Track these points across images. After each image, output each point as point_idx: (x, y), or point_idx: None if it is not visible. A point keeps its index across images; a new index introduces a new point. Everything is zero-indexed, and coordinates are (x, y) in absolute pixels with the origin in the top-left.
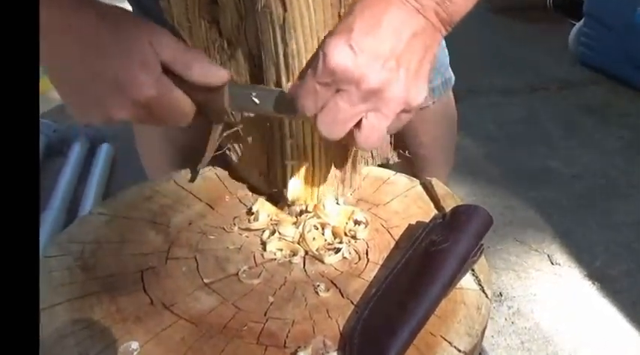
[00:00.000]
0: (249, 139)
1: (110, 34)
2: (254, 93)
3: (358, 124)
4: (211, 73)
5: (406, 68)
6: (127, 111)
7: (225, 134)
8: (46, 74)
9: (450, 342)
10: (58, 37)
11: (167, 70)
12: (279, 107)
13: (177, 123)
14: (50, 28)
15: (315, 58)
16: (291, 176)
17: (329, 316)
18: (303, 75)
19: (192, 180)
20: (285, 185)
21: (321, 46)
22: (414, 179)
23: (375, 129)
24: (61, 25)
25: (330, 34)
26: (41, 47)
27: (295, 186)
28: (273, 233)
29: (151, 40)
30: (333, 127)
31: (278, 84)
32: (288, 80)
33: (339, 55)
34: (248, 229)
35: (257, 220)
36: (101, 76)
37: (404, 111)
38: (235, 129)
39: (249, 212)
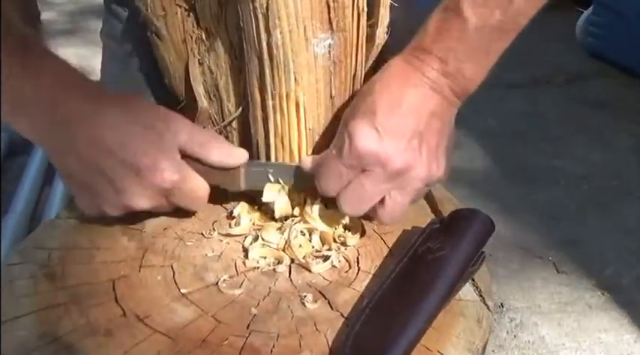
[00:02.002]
0: (232, 138)
1: (126, 121)
2: (270, 170)
3: (381, 201)
4: (230, 153)
5: (427, 146)
6: (148, 199)
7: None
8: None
9: None
10: (67, 129)
11: (182, 155)
12: (297, 183)
13: (193, 209)
14: (60, 119)
15: (338, 137)
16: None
17: (317, 329)
18: (318, 150)
19: None
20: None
21: (344, 128)
22: None
23: (398, 206)
24: (71, 115)
25: (353, 116)
26: (50, 140)
27: (282, 202)
28: (255, 239)
29: (167, 124)
30: (357, 206)
31: (261, 77)
32: (272, 73)
33: (366, 139)
34: (229, 235)
35: (238, 225)
36: (119, 165)
37: (425, 185)
38: (217, 127)
39: (230, 216)
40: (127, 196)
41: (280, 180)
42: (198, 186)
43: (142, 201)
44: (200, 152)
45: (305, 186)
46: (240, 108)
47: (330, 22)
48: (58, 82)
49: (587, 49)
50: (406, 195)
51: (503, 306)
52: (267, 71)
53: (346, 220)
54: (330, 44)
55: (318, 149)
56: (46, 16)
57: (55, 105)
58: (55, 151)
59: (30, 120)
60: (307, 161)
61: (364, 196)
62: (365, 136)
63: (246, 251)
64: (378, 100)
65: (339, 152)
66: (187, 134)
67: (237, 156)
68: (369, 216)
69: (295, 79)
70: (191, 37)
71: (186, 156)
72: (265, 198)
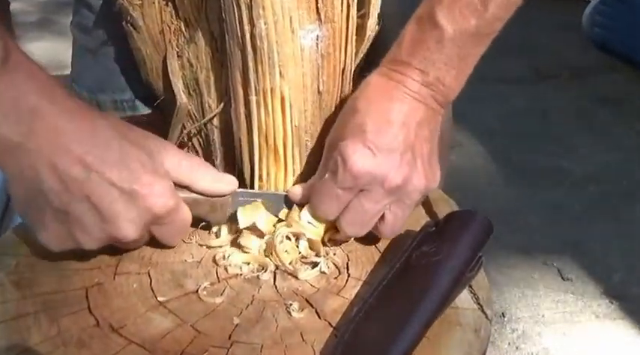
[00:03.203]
0: (213, 136)
1: (113, 137)
2: (259, 200)
3: (382, 217)
4: (221, 180)
5: (421, 157)
6: (138, 228)
7: (186, 131)
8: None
9: None
10: (43, 146)
11: None
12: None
13: (173, 242)
14: (36, 134)
15: (327, 161)
16: (260, 177)
17: (303, 340)
18: (305, 176)
19: None
20: (252, 187)
21: (335, 150)
22: None
23: (400, 219)
24: (50, 130)
25: (341, 137)
26: (18, 159)
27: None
28: (237, 245)
29: (154, 145)
30: (359, 227)
31: (244, 71)
32: (255, 66)
33: (361, 159)
34: (208, 246)
35: (218, 237)
36: (108, 187)
37: (423, 195)
38: (197, 124)
39: (207, 227)
40: (116, 224)
41: (267, 208)
42: (185, 217)
43: (130, 231)
44: (189, 177)
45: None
46: (222, 104)
47: (318, 13)
48: (36, 92)
49: (594, 41)
50: (406, 207)
51: (504, 316)
52: (251, 64)
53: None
54: (317, 36)
55: (306, 148)
56: (15, 6)
57: (33, 117)
58: (20, 172)
59: None
60: (296, 191)
61: (365, 216)
62: (359, 156)
63: (227, 256)
64: (365, 119)
65: (332, 176)
66: (174, 157)
67: (227, 182)
68: (371, 231)
69: (280, 72)
70: (169, 28)
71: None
72: (243, 224)
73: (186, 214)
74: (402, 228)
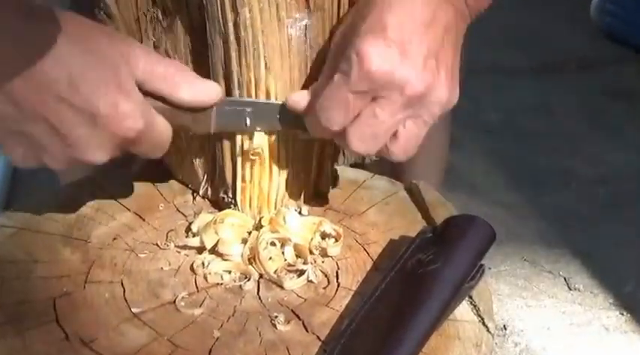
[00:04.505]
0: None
1: (71, 48)
2: (248, 110)
3: (394, 134)
4: (202, 90)
5: (445, 66)
6: (105, 152)
7: None
8: None
9: None
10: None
11: (140, 90)
12: (282, 125)
13: (152, 157)
14: None
15: (337, 62)
16: (243, 179)
17: None
18: (302, 87)
19: (120, 184)
20: (234, 189)
21: (347, 49)
22: (397, 182)
23: (414, 138)
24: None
25: (356, 33)
26: None
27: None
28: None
29: (120, 52)
30: (370, 142)
31: (226, 63)
32: (239, 58)
33: (380, 58)
34: (185, 246)
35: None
36: (68, 110)
37: (442, 111)
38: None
39: (190, 228)
40: (79, 149)
41: (258, 120)
42: (163, 132)
43: (97, 155)
44: (165, 88)
45: (292, 129)
46: None
47: (307, 0)
48: None
49: (603, 31)
50: (423, 124)
51: (506, 328)
52: (234, 56)
53: (324, 227)
54: (306, 25)
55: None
56: None
57: None
58: None
59: None
60: (299, 97)
61: (379, 129)
62: (378, 54)
63: (207, 264)
64: (386, 14)
65: (344, 77)
66: (146, 64)
67: (210, 92)
68: (380, 153)
69: (266, 65)
70: (145, 17)
71: (145, 92)
72: (208, 245)
73: (163, 130)
74: (415, 150)
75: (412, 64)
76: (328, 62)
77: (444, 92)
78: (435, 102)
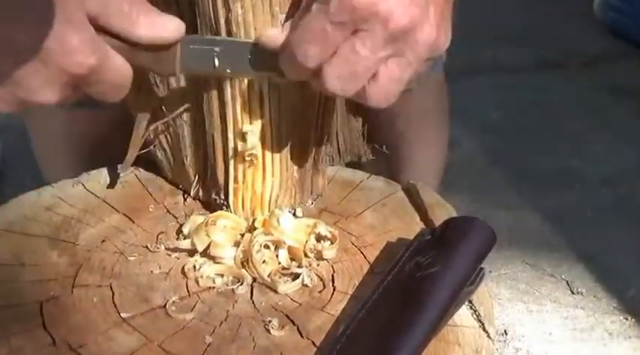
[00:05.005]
0: (183, 133)
1: None
2: (216, 50)
3: (374, 75)
4: (163, 25)
5: (434, 4)
6: (54, 92)
7: (152, 127)
8: None
9: None
10: None
11: (95, 27)
12: (253, 66)
13: (111, 99)
14: None
15: None
16: (235, 179)
17: None
18: (292, 13)
19: (110, 185)
20: (227, 190)
21: None
22: (394, 183)
23: (395, 81)
24: None
25: None
26: None
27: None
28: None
29: None
30: (348, 81)
31: None
32: None
33: None
34: (176, 249)
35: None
36: (10, 46)
37: (427, 59)
38: (165, 120)
39: (181, 230)
40: (26, 89)
41: (227, 60)
42: (120, 70)
43: (46, 95)
44: (120, 24)
45: (264, 71)
46: (192, 97)
47: None
48: None
49: (608, 26)
50: (406, 66)
51: (506, 334)
52: None
53: (319, 229)
54: None
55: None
56: None
57: None
58: None
59: None
60: (274, 32)
61: (358, 66)
62: None
63: (199, 267)
64: None
65: (322, 7)
66: None
67: (171, 28)
68: (358, 96)
69: None
70: None
71: (100, 29)
72: (200, 248)
73: (119, 69)
74: (396, 96)
75: None
76: None
77: (432, 30)
78: (422, 41)
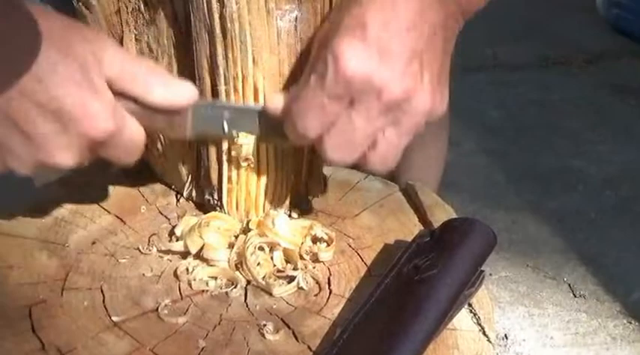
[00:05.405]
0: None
1: (48, 48)
2: (226, 115)
3: (373, 143)
4: (177, 91)
5: (429, 71)
6: (74, 155)
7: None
8: None
9: None
10: None
11: (111, 90)
12: (260, 131)
13: (125, 162)
14: None
15: (314, 63)
16: (230, 180)
17: None
18: (291, 83)
19: (99, 185)
20: (220, 191)
21: (324, 49)
22: (392, 183)
23: (394, 148)
24: None
25: (335, 32)
26: None
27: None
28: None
29: (91, 49)
30: (347, 151)
31: (212, 57)
32: (225, 52)
33: (356, 58)
34: (169, 251)
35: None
36: (34, 109)
37: (425, 120)
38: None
39: (173, 232)
40: (46, 151)
41: (235, 125)
42: (135, 135)
43: (64, 157)
44: (136, 89)
45: (271, 136)
46: None
47: None
48: None
49: (611, 23)
50: (403, 133)
51: (507, 338)
52: (220, 50)
53: (315, 230)
54: (296, 17)
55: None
56: None
57: None
58: None
59: None
60: (276, 100)
61: (355, 136)
62: (354, 55)
63: (192, 270)
64: (367, 11)
65: (320, 80)
66: (118, 63)
67: (185, 95)
68: (358, 163)
69: (254, 59)
70: (126, 7)
71: (116, 92)
72: (193, 250)
73: (135, 133)
74: (395, 161)
75: (392, 66)
76: (309, 64)
77: (427, 99)
78: (417, 109)
